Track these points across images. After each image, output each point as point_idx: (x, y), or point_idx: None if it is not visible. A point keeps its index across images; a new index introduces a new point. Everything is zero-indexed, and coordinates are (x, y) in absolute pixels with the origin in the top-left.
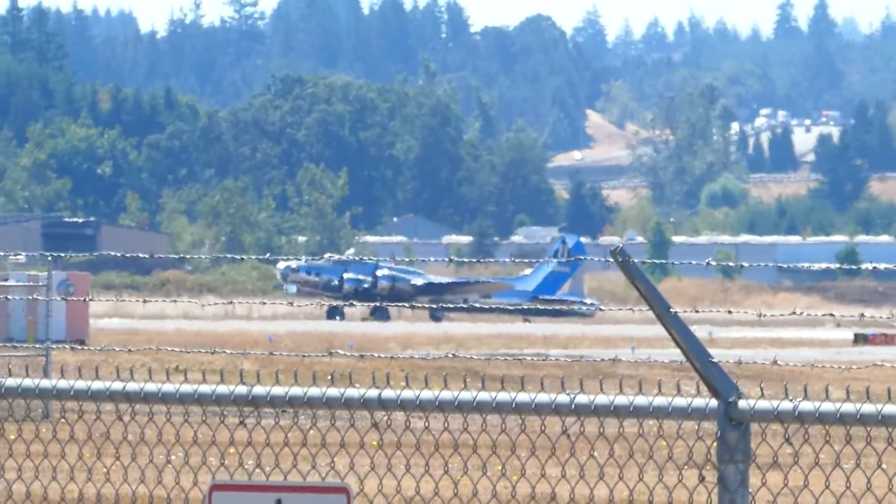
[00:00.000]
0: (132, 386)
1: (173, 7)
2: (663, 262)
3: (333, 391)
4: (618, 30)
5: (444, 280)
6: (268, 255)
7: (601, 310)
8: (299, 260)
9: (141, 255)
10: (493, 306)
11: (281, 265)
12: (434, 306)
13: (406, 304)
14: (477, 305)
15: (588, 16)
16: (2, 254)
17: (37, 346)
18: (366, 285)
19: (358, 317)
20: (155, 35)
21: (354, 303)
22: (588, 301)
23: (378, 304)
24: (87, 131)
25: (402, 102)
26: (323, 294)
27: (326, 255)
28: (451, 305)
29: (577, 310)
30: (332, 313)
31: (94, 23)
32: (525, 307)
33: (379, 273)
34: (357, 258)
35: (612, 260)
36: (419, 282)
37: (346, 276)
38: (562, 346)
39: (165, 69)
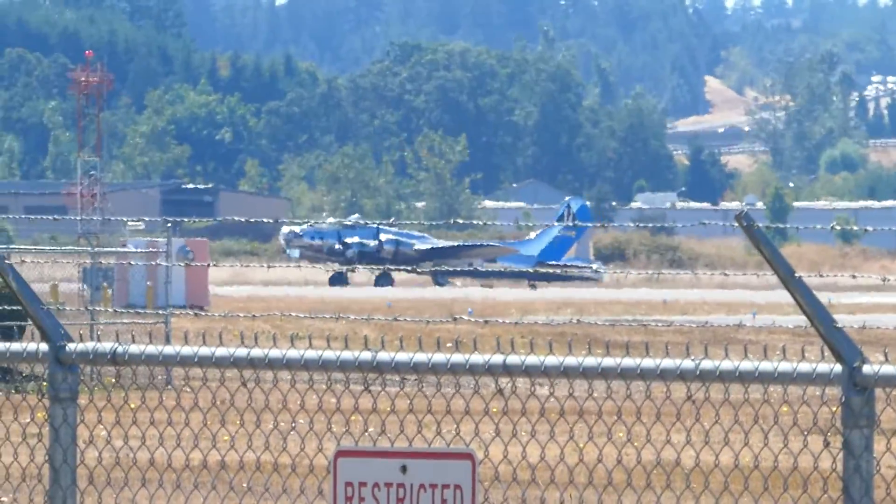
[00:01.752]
0: (256, 352)
1: None
2: (786, 226)
3: (458, 357)
4: None
5: (448, 244)
6: (391, 220)
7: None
8: (302, 224)
9: (264, 221)
10: (498, 271)
11: (285, 230)
12: (439, 269)
13: (410, 269)
14: (481, 269)
15: None
16: (122, 219)
17: (158, 312)
18: (369, 249)
19: (363, 282)
20: (274, 2)
21: (358, 267)
22: (594, 266)
23: (383, 269)
24: (207, 98)
25: (521, 69)
26: (327, 259)
27: (329, 220)
28: (457, 269)
29: (582, 275)
30: (336, 279)
31: None
32: (530, 271)
33: (382, 237)
34: (358, 223)
35: (735, 224)
36: (423, 246)
37: (348, 240)
38: (683, 312)
39: (285, 36)
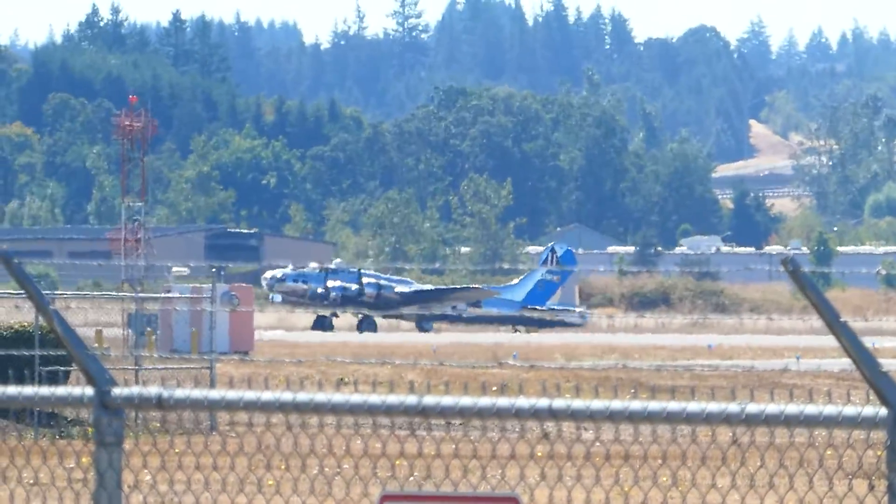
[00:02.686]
0: (301, 397)
1: (337, 19)
2: (831, 271)
3: (503, 401)
4: (781, 40)
5: (431, 287)
6: (436, 264)
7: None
8: (284, 268)
9: (310, 265)
10: (483, 316)
11: (267, 275)
12: (424, 314)
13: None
14: (466, 315)
15: (752, 26)
16: (167, 265)
17: (202, 357)
18: (351, 293)
19: (346, 327)
20: (319, 47)
21: (338, 313)
22: (578, 310)
23: (365, 315)
24: (252, 143)
25: (566, 113)
26: (309, 303)
27: (312, 264)
28: (439, 314)
29: (566, 320)
30: (319, 323)
31: (257, 34)
32: (515, 316)
33: (364, 281)
34: (340, 267)
35: (780, 269)
36: (405, 289)
37: (330, 283)
38: (728, 357)
39: (329, 81)
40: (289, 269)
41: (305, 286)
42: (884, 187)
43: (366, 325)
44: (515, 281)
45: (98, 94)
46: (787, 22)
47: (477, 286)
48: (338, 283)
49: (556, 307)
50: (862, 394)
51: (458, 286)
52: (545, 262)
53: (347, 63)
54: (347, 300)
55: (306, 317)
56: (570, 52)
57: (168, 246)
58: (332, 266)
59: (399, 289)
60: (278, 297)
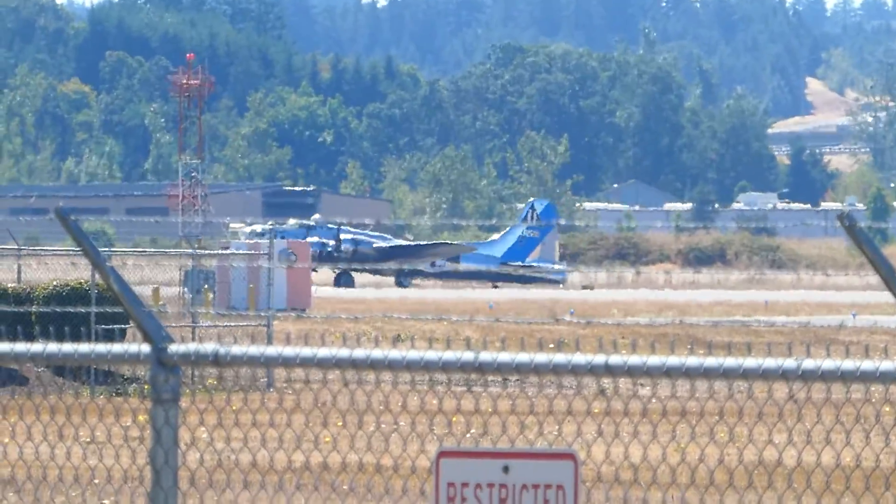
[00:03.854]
0: (358, 353)
1: None
2: (887, 227)
3: (560, 358)
4: None
5: (408, 243)
6: (493, 220)
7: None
8: (264, 225)
9: (366, 222)
10: (461, 271)
11: (247, 230)
12: (403, 269)
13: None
14: (445, 270)
15: None
16: (224, 221)
17: (259, 314)
18: (329, 249)
19: (324, 282)
20: (375, 4)
21: (315, 268)
22: (557, 267)
23: (343, 270)
24: (308, 100)
25: (623, 71)
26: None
27: (291, 221)
28: (419, 269)
29: (546, 276)
30: (342, 280)
31: None
32: (494, 272)
33: (342, 237)
34: (320, 224)
35: (837, 225)
36: (382, 245)
37: (308, 240)
38: (784, 313)
39: (385, 38)
40: (267, 226)
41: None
42: None
43: (343, 280)
44: (495, 237)
45: (155, 52)
46: None
47: (453, 243)
48: (316, 239)
49: (535, 263)
50: None
51: (436, 242)
52: (525, 218)
53: (404, 20)
54: (325, 256)
55: (324, 273)
56: (626, 9)
57: (225, 203)
58: (311, 222)
59: (377, 244)
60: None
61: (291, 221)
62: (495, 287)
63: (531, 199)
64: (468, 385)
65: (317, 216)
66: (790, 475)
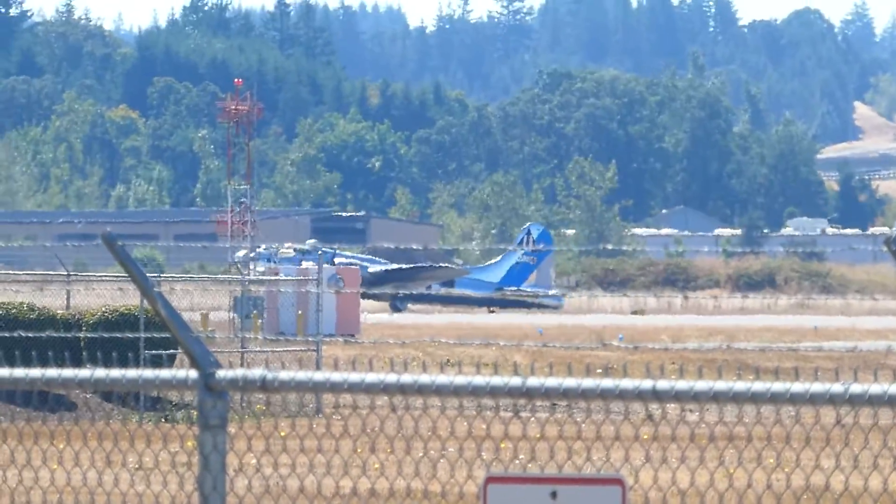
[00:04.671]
0: (406, 378)
1: (441, 2)
2: None
3: (608, 383)
4: (885, 22)
5: (402, 267)
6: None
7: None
8: (258, 249)
9: (414, 247)
10: (458, 296)
11: (239, 254)
12: (398, 294)
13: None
14: (441, 294)
15: (856, 8)
16: (273, 247)
17: (308, 339)
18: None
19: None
20: (424, 30)
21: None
22: (552, 293)
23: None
24: (357, 126)
25: (671, 96)
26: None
27: (287, 245)
28: (414, 293)
29: (542, 302)
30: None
31: (361, 18)
32: (490, 297)
33: (336, 261)
34: (315, 249)
35: (885, 249)
36: (376, 269)
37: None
38: (833, 338)
39: (434, 64)
40: (262, 249)
41: (277, 267)
42: None
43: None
44: (492, 262)
45: (202, 77)
46: (891, 4)
47: (448, 265)
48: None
49: (531, 289)
50: None
51: (429, 265)
52: (521, 243)
53: (452, 46)
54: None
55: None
56: (674, 34)
57: (274, 229)
58: (306, 247)
59: (372, 269)
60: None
61: (287, 245)
62: (491, 312)
63: (528, 224)
64: (516, 410)
65: (312, 241)
66: (837, 500)
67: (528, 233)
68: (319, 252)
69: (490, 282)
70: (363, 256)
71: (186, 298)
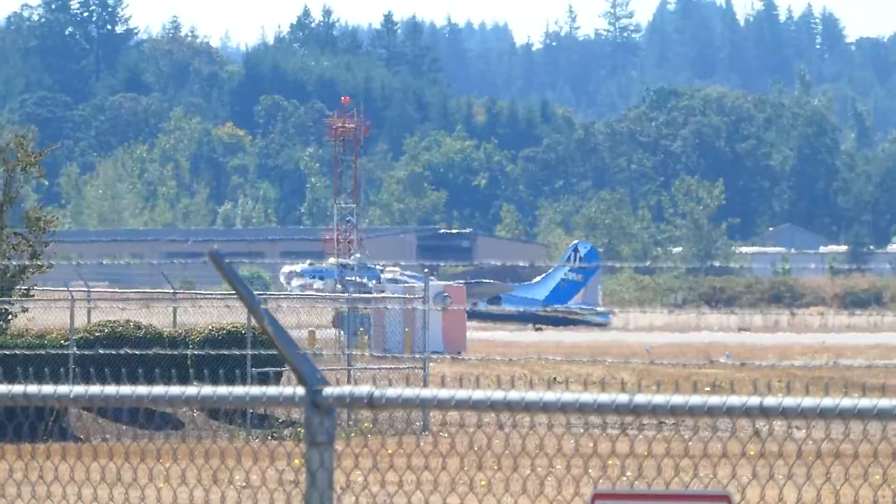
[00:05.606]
0: (514, 395)
1: (548, 20)
2: None
3: (715, 399)
4: None
5: (449, 283)
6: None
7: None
8: (302, 264)
9: (521, 265)
10: (502, 314)
11: (285, 269)
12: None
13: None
14: (485, 311)
15: None
16: (380, 265)
17: (415, 357)
18: (367, 290)
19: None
20: (530, 47)
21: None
22: (599, 309)
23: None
24: (463, 144)
25: (778, 113)
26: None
27: (331, 260)
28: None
29: (589, 319)
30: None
31: (468, 36)
32: (535, 314)
33: (384, 277)
34: (361, 263)
35: None
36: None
37: (347, 279)
38: None
39: (540, 82)
40: (306, 265)
41: (322, 281)
42: None
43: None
44: (537, 279)
45: (310, 95)
46: None
47: (493, 281)
48: (355, 279)
49: (578, 306)
50: None
51: (477, 281)
52: (568, 260)
53: (559, 63)
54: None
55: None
56: (780, 51)
57: (381, 246)
58: (350, 262)
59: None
60: (297, 293)
61: (330, 260)
62: (538, 329)
63: (575, 241)
64: (623, 428)
65: (357, 255)
66: None
67: (576, 250)
68: (426, 271)
69: (535, 299)
70: (408, 273)
71: (293, 316)
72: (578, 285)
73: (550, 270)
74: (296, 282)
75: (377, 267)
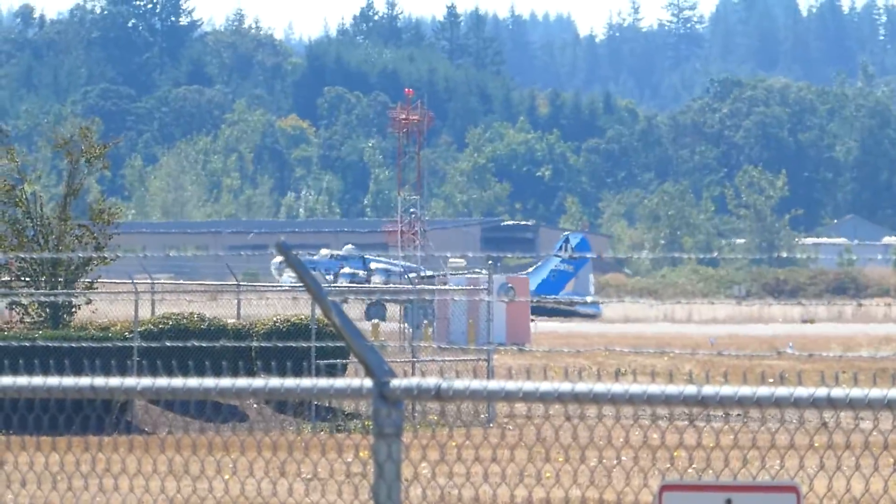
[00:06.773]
0: (581, 387)
1: (612, 11)
2: None
3: (783, 391)
4: None
5: (431, 273)
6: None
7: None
8: (313, 255)
9: (585, 257)
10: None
11: (276, 260)
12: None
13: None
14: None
15: None
16: (444, 256)
17: (479, 349)
18: (359, 280)
19: (356, 317)
20: (593, 39)
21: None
22: (589, 300)
23: (375, 301)
24: (526, 135)
25: (841, 104)
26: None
27: (323, 251)
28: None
29: (578, 311)
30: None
31: (531, 27)
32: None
33: (372, 267)
34: (350, 254)
35: None
36: (412, 275)
37: (342, 270)
38: None
39: (604, 73)
40: (322, 254)
41: (314, 272)
42: None
43: (374, 311)
44: (530, 270)
45: (373, 87)
46: None
47: (482, 271)
48: (347, 270)
49: (568, 297)
50: None
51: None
52: (559, 250)
53: (622, 55)
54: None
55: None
56: (843, 42)
57: (444, 238)
58: (342, 252)
59: (409, 275)
60: (287, 283)
61: (323, 251)
62: (531, 321)
63: (566, 232)
64: (690, 419)
65: (349, 246)
66: None
67: (567, 241)
68: (489, 262)
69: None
70: (399, 263)
71: (358, 308)
72: (569, 275)
73: (540, 262)
74: (287, 274)
75: (383, 257)
